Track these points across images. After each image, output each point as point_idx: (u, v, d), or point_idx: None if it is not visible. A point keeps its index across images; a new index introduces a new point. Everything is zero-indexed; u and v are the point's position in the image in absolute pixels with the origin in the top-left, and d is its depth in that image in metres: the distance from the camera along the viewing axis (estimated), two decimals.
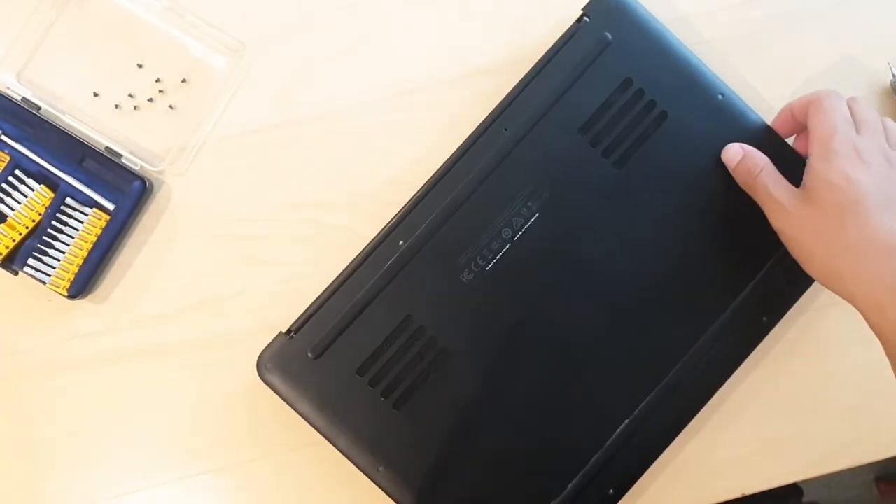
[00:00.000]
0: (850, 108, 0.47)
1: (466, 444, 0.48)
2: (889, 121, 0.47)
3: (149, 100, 0.54)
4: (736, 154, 0.49)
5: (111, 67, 0.54)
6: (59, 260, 0.52)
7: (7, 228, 0.52)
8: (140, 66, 0.54)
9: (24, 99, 0.53)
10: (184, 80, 0.54)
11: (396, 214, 0.49)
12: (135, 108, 0.54)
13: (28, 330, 0.53)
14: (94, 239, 0.52)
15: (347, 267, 0.49)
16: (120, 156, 0.53)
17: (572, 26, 0.51)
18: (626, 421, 0.48)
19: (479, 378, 0.48)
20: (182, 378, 0.52)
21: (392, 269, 0.49)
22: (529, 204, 0.49)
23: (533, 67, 0.50)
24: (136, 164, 0.53)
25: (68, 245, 0.52)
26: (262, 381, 0.48)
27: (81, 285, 0.52)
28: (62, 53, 0.54)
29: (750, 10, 0.55)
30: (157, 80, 0.54)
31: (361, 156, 0.54)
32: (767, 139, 0.50)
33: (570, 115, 0.50)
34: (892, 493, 1.00)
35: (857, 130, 0.46)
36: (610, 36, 0.50)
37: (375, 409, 0.48)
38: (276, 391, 0.48)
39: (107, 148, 0.53)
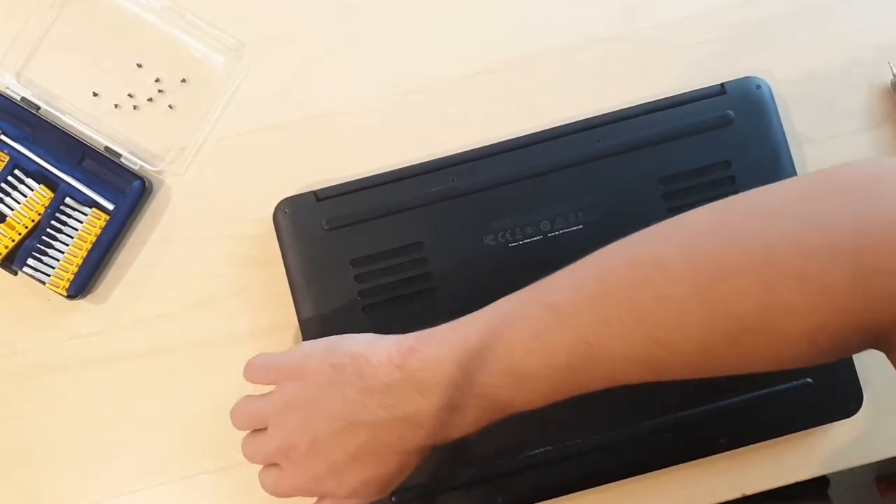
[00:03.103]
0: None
1: None
2: None
3: (149, 100, 0.54)
4: None
5: (111, 67, 0.54)
6: (58, 260, 0.52)
7: (6, 228, 0.52)
8: (140, 66, 0.54)
9: (23, 99, 0.53)
10: (184, 80, 0.54)
11: (463, 153, 0.51)
12: (134, 108, 0.54)
13: (28, 330, 0.53)
14: (94, 239, 0.52)
15: (399, 171, 0.51)
16: (119, 156, 0.53)
17: (710, 88, 0.51)
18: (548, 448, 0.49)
19: None
20: (182, 378, 0.52)
21: (432, 197, 0.50)
22: (579, 214, 0.50)
23: (654, 102, 0.51)
24: (136, 164, 0.53)
25: (68, 245, 0.52)
26: (271, 220, 0.50)
27: (81, 285, 0.52)
28: (62, 53, 0.54)
29: None
30: (157, 80, 0.54)
31: (361, 156, 0.54)
32: None
33: (660, 163, 0.51)
34: (892, 493, 1.00)
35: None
36: (733, 116, 0.51)
37: (348, 301, 0.50)
38: (278, 234, 0.50)
39: (106, 148, 0.53)
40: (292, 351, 0.43)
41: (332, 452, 0.40)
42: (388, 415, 0.39)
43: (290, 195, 0.51)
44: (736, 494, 0.52)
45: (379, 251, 0.50)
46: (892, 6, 0.55)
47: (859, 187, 0.33)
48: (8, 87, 0.53)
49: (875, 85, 0.55)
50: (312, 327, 0.49)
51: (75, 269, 0.52)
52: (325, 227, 0.50)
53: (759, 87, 0.52)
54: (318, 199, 0.50)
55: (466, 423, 0.39)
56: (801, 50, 0.55)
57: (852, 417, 0.51)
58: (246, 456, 0.43)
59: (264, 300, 0.53)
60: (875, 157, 0.50)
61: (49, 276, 0.51)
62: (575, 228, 0.50)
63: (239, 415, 0.44)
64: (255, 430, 0.43)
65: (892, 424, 0.53)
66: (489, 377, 0.37)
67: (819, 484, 0.67)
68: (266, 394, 0.43)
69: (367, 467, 0.40)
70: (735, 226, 0.35)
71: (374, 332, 0.44)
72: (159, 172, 0.54)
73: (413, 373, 0.38)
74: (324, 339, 0.43)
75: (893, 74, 0.54)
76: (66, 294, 0.51)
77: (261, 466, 0.43)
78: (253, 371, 0.44)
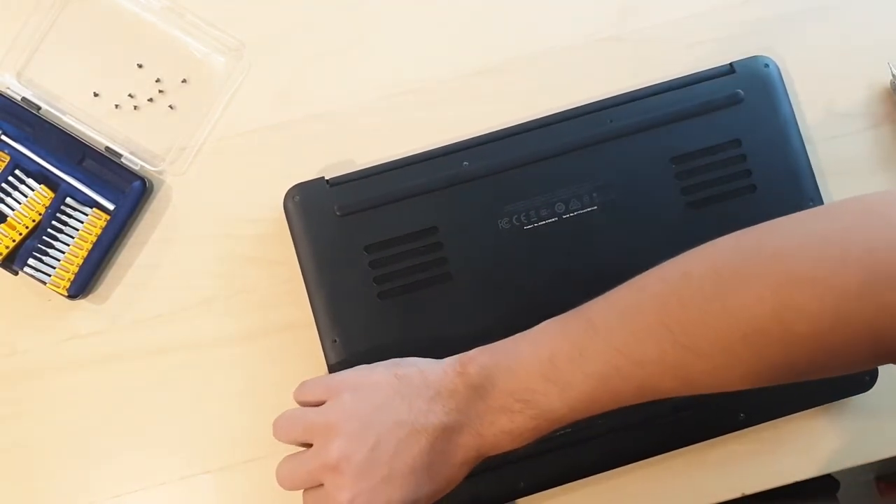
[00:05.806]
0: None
1: None
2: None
3: (149, 100, 0.54)
4: None
5: (111, 67, 0.54)
6: (59, 260, 0.52)
7: (7, 228, 0.52)
8: (140, 66, 0.54)
9: (24, 99, 0.53)
10: (184, 80, 0.54)
11: (475, 137, 0.51)
12: (135, 108, 0.54)
13: (28, 330, 0.53)
14: (94, 239, 0.52)
15: (411, 156, 0.51)
16: (120, 156, 0.53)
17: (719, 68, 0.52)
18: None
19: (463, 313, 0.49)
20: (182, 378, 0.52)
21: (445, 181, 0.50)
22: (594, 195, 0.50)
23: (665, 82, 0.52)
24: (136, 164, 0.53)
25: (68, 245, 0.52)
26: (282, 209, 0.50)
27: (81, 285, 0.52)
28: (62, 53, 0.54)
29: None
30: (157, 80, 0.54)
31: (361, 155, 0.54)
32: None
33: (673, 142, 0.51)
34: (893, 493, 1.00)
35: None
36: (743, 94, 0.51)
37: (363, 288, 0.49)
38: (289, 222, 0.50)
39: (107, 148, 0.53)
40: (350, 370, 0.45)
41: (392, 461, 0.40)
42: (448, 419, 0.41)
43: (299, 182, 0.50)
44: (736, 494, 0.52)
45: (393, 237, 0.50)
46: (891, 6, 0.55)
47: (875, 210, 0.36)
48: (8, 88, 0.53)
49: (875, 85, 0.55)
50: (327, 315, 0.49)
51: (76, 269, 0.52)
52: (338, 214, 0.49)
53: (767, 65, 0.52)
54: (330, 185, 0.50)
55: (515, 430, 0.41)
56: (801, 50, 0.55)
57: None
58: (282, 479, 0.42)
59: (265, 300, 0.53)
60: (892, 188, 0.51)
61: (50, 276, 0.51)
62: (589, 209, 0.50)
63: (285, 423, 0.43)
64: (292, 455, 0.43)
65: (892, 424, 0.53)
66: (535, 383, 0.40)
67: (828, 486, 0.67)
68: (317, 407, 0.43)
69: (419, 482, 0.41)
70: (755, 241, 0.37)
71: (391, 318, 0.49)
72: (160, 172, 0.54)
73: (471, 377, 0.41)
74: (382, 361, 0.44)
75: (893, 75, 0.54)
76: (66, 294, 0.51)
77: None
78: (305, 389, 0.44)
